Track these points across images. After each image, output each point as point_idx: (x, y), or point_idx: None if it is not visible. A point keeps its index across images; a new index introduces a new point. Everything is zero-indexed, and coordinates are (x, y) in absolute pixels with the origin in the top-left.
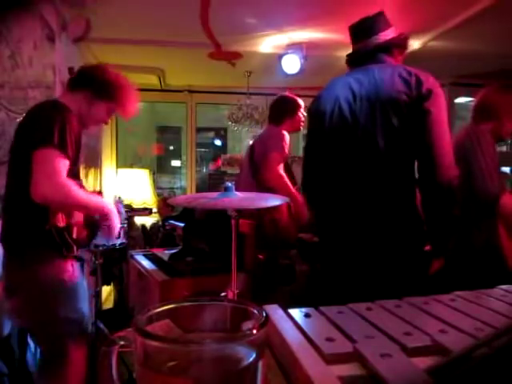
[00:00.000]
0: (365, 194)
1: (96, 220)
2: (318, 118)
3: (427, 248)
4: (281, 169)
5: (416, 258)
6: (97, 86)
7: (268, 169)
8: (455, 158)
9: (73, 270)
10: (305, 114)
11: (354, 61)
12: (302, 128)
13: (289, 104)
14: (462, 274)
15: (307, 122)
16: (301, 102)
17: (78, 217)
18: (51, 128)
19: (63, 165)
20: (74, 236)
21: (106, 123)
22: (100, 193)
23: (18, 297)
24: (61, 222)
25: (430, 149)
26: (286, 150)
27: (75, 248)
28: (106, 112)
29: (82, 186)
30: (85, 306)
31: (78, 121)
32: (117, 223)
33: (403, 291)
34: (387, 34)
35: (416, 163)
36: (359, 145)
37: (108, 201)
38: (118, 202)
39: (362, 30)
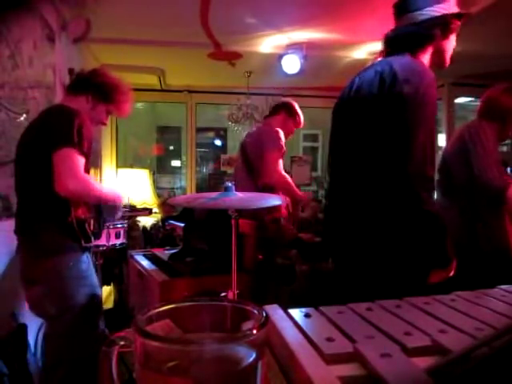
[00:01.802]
0: (352, 189)
1: (102, 212)
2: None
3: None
4: (281, 168)
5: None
6: (96, 89)
7: (269, 171)
8: (455, 149)
9: (88, 260)
10: (302, 121)
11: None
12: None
13: (288, 103)
14: (469, 271)
15: None
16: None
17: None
18: (70, 130)
19: (81, 161)
20: (92, 228)
21: (105, 124)
22: None
23: (39, 287)
24: (81, 214)
25: (397, 153)
26: (284, 148)
27: (93, 239)
28: (105, 113)
29: None
30: (99, 290)
31: (90, 122)
32: (121, 202)
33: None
34: (433, 10)
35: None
36: (342, 144)
37: (115, 186)
38: None
39: (400, 5)
